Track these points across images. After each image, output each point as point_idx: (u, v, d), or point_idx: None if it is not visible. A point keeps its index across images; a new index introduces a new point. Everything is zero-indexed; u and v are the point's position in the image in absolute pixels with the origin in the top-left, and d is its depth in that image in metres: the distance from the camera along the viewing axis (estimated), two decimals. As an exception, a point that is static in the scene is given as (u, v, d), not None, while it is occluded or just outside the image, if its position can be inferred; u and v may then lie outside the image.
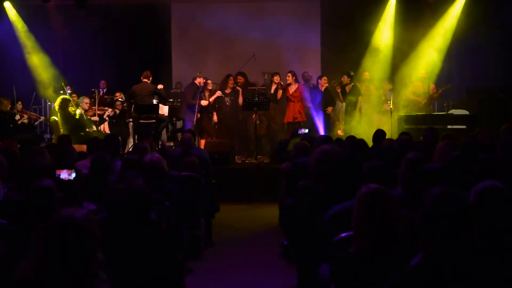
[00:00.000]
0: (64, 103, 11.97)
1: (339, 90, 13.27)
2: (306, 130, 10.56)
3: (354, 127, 12.51)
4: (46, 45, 14.89)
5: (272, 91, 12.72)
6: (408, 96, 13.50)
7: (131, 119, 12.93)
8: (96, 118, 13.02)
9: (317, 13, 16.02)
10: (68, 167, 5.36)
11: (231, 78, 12.99)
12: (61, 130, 11.91)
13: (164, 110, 13.10)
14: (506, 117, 11.25)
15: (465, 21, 13.89)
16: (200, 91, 12.33)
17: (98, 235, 2.47)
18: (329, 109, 12.88)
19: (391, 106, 12.85)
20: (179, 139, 10.72)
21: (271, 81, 12.88)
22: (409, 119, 12.26)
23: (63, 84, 13.59)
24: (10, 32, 14.57)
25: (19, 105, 12.77)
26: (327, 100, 12.90)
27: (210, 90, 12.74)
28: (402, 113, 12.95)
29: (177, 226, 4.98)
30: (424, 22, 14.38)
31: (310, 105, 12.86)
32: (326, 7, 15.60)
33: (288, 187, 6.41)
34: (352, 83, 13.04)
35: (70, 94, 13.37)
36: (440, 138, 7.48)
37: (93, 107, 12.96)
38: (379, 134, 8.29)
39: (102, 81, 14.80)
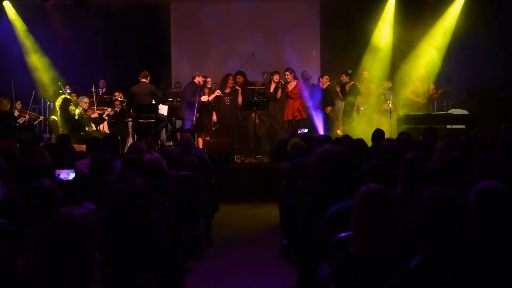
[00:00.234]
0: (65, 103, 11.97)
1: (338, 89, 13.29)
2: (306, 130, 10.55)
3: (353, 127, 12.52)
4: (45, 44, 14.89)
5: (271, 90, 12.73)
6: (408, 96, 13.50)
7: (130, 119, 12.93)
8: (96, 115, 13.00)
9: (316, 12, 16.02)
10: (68, 166, 5.36)
11: (231, 77, 12.98)
12: (60, 129, 11.91)
13: (163, 109, 13.11)
14: (506, 117, 11.25)
15: (465, 21, 13.89)
16: (199, 90, 12.33)
17: (97, 235, 2.46)
18: (328, 109, 12.89)
19: (390, 106, 12.85)
20: (179, 139, 10.72)
21: (271, 80, 12.88)
22: (408, 118, 12.25)
23: (60, 83, 13.57)
24: (9, 31, 14.57)
25: (18, 105, 12.77)
26: (327, 99, 12.91)
27: (209, 89, 12.73)
28: (401, 112, 12.95)
29: (177, 226, 4.98)
30: (424, 22, 14.38)
31: (309, 103, 12.86)
32: (326, 6, 15.61)
33: (288, 186, 6.41)
34: (352, 82, 13.04)
35: (70, 94, 13.38)
36: (439, 138, 7.48)
37: (92, 107, 12.95)
38: (378, 133, 8.29)
39: (102, 81, 14.81)
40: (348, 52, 14.14)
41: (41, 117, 13.89)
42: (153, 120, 12.20)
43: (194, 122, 12.25)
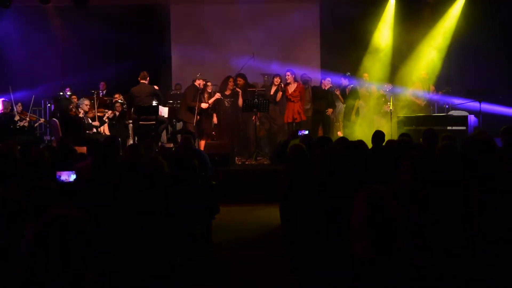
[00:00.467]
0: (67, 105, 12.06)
1: (338, 93, 13.28)
2: (306, 132, 10.55)
3: (353, 128, 12.52)
4: (45, 46, 14.91)
5: (271, 93, 12.72)
6: (408, 97, 13.51)
7: (130, 121, 12.94)
8: (96, 123, 13.01)
9: (316, 14, 16.04)
10: (68, 168, 5.36)
11: (231, 79, 12.99)
12: (61, 131, 11.93)
13: (163, 111, 13.11)
14: (506, 118, 11.27)
15: (465, 22, 13.92)
16: (199, 93, 12.33)
17: (90, 236, 2.46)
18: (329, 111, 12.89)
19: (390, 108, 12.86)
20: (179, 141, 10.73)
21: (272, 83, 12.89)
22: (408, 120, 12.26)
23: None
24: (9, 33, 14.58)
25: (18, 107, 12.79)
26: (329, 101, 12.91)
27: (209, 93, 12.74)
28: (401, 114, 12.95)
29: (177, 227, 4.98)
30: (424, 23, 14.40)
31: (309, 106, 12.88)
32: (326, 7, 15.63)
33: (288, 188, 6.40)
34: (351, 85, 13.04)
35: (70, 96, 13.39)
36: (440, 139, 7.47)
37: (92, 110, 12.96)
38: (378, 135, 8.29)
39: (102, 83, 14.82)
40: (348, 54, 14.16)
41: (42, 119, 13.91)
42: (154, 122, 12.20)
43: (194, 125, 12.25)
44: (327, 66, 15.15)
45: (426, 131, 8.11)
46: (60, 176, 5.17)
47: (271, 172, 10.42)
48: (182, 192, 5.73)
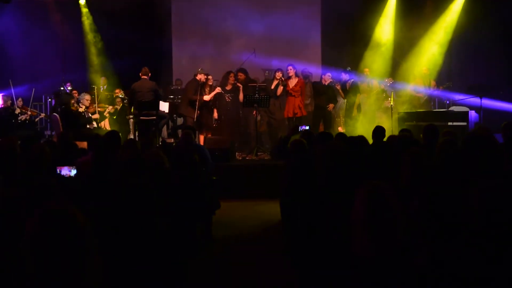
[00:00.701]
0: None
1: (338, 87, 13.26)
2: (307, 127, 10.55)
3: (354, 124, 12.51)
4: (46, 41, 14.90)
5: (272, 87, 12.70)
6: (409, 93, 13.50)
7: (131, 116, 12.94)
8: (96, 116, 13.02)
9: (317, 8, 16.01)
10: (69, 163, 5.37)
11: (232, 74, 12.97)
12: (61, 126, 11.94)
13: (164, 107, 13.10)
14: (507, 114, 11.26)
15: (466, 17, 13.89)
16: (200, 87, 12.32)
17: (89, 231, 2.46)
18: (331, 106, 12.87)
19: (391, 103, 12.84)
20: (180, 136, 10.73)
21: (273, 77, 12.87)
22: (409, 116, 12.25)
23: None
24: (10, 28, 14.57)
25: (19, 102, 12.79)
26: (330, 96, 12.89)
27: (210, 86, 12.74)
28: (402, 110, 12.94)
29: (178, 223, 4.98)
30: (425, 18, 14.38)
31: (309, 100, 12.87)
32: (327, 2, 15.61)
33: (289, 183, 6.41)
34: (352, 80, 13.00)
35: (71, 91, 13.40)
36: (441, 135, 7.47)
37: (93, 105, 12.96)
38: (378, 130, 8.28)
39: (102, 78, 14.81)
40: (349, 49, 14.14)
41: (42, 114, 13.91)
42: (154, 117, 12.20)
43: (195, 120, 12.24)
44: (328, 61, 15.15)
45: (426, 127, 8.09)
46: (60, 171, 5.17)
47: (271, 168, 10.42)
48: (182, 188, 5.73)
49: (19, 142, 7.57)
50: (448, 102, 14.07)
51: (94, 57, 15.37)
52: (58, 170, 5.16)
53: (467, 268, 2.51)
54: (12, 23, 14.62)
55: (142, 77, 12.31)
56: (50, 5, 15.11)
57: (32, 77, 14.77)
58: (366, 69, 14.02)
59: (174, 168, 6.30)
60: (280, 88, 12.55)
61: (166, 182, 5.31)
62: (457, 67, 14.91)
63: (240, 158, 11.97)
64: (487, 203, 3.01)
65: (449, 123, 11.34)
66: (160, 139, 12.14)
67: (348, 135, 9.11)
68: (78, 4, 15.22)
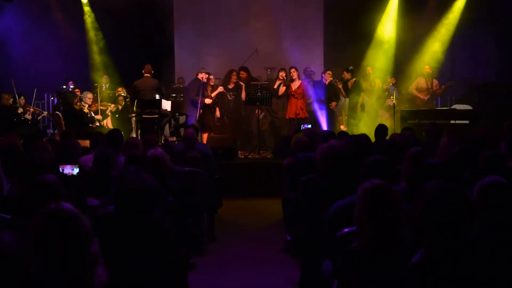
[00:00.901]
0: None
1: (340, 86, 13.21)
2: (309, 126, 10.55)
3: (357, 123, 12.48)
4: (48, 40, 14.91)
5: (275, 86, 12.69)
6: (411, 91, 13.48)
7: (133, 114, 12.94)
8: (99, 116, 13.01)
9: (320, 6, 15.99)
10: (72, 162, 5.37)
11: (234, 73, 12.96)
12: (63, 124, 11.95)
13: (166, 105, 13.10)
14: (510, 112, 11.24)
15: (469, 15, 13.87)
16: (202, 87, 12.31)
17: (90, 229, 2.46)
18: (333, 104, 12.83)
19: (394, 101, 12.82)
20: (182, 134, 10.73)
21: (277, 77, 12.85)
22: (411, 114, 12.22)
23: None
24: (12, 26, 14.57)
25: (21, 100, 12.79)
26: (331, 94, 12.86)
27: (212, 86, 12.73)
28: (404, 108, 12.92)
29: (180, 222, 4.98)
30: (428, 16, 14.35)
31: (313, 100, 12.84)
32: (329, 0, 15.58)
33: (291, 182, 6.41)
34: (354, 79, 12.93)
35: (73, 89, 13.40)
36: (443, 133, 7.47)
37: (95, 103, 12.96)
38: (381, 129, 8.28)
39: (105, 76, 14.81)
40: (352, 47, 14.11)
41: (45, 112, 13.92)
42: (157, 116, 12.20)
43: (197, 118, 12.24)
44: (330, 59, 15.13)
45: (428, 125, 8.10)
46: (63, 170, 5.17)
47: (274, 166, 10.41)
48: (185, 186, 5.74)
49: (21, 140, 7.60)
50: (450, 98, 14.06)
51: (96, 56, 15.36)
52: (60, 168, 5.16)
53: (467, 267, 2.50)
54: (14, 21, 14.61)
55: (145, 75, 12.31)
56: (52, 3, 15.10)
57: (34, 75, 14.77)
58: (369, 68, 13.99)
59: (176, 166, 6.30)
60: (283, 89, 12.52)
61: (168, 180, 5.32)
62: (460, 65, 14.88)
63: (243, 156, 11.96)
64: (489, 201, 3.01)
65: (452, 122, 11.32)
66: (163, 138, 12.13)
67: (350, 133, 9.11)
68: (80, 3, 15.22)
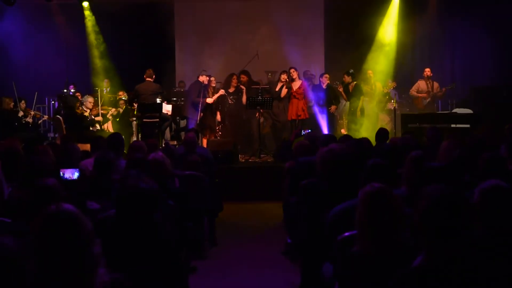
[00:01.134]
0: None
1: (341, 89, 13.20)
2: (309, 131, 10.55)
3: (357, 126, 12.48)
4: (49, 44, 14.93)
5: (277, 89, 12.69)
6: (412, 94, 13.48)
7: (134, 118, 12.95)
8: (100, 118, 13.02)
9: (320, 10, 15.99)
10: (72, 166, 5.36)
11: (235, 77, 12.97)
12: (64, 128, 11.96)
13: (167, 109, 13.11)
14: (510, 116, 11.23)
15: (469, 19, 13.89)
16: (203, 89, 12.32)
17: (91, 230, 2.46)
18: (333, 107, 12.81)
19: (394, 105, 12.82)
20: (183, 138, 10.74)
21: (279, 79, 12.85)
22: (412, 118, 12.21)
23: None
24: (12, 30, 14.60)
25: (22, 104, 12.80)
26: (331, 98, 12.84)
27: (213, 88, 12.74)
28: (405, 112, 12.91)
29: (181, 225, 4.98)
30: (429, 19, 14.39)
31: (313, 103, 12.84)
32: (330, 3, 15.59)
33: (292, 185, 6.41)
34: (355, 82, 12.92)
35: (74, 93, 13.42)
36: (444, 137, 7.46)
37: (96, 107, 12.98)
38: (382, 133, 8.28)
39: (105, 80, 14.83)
40: (353, 50, 14.12)
41: (46, 116, 13.93)
42: (157, 120, 12.20)
43: (198, 122, 12.24)
44: (331, 62, 15.12)
45: (429, 129, 8.10)
46: (63, 174, 5.17)
47: (274, 170, 10.40)
48: (185, 190, 5.74)
49: (22, 144, 7.61)
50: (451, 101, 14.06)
51: (97, 60, 15.38)
52: (61, 172, 5.16)
53: (469, 270, 2.50)
54: (15, 25, 14.64)
55: (147, 79, 12.31)
56: (53, 7, 15.13)
57: (35, 79, 14.79)
58: (370, 71, 13.99)
59: (176, 170, 6.30)
60: (285, 91, 12.53)
61: (168, 183, 5.32)
62: (460, 69, 14.89)
63: (243, 160, 11.95)
64: (490, 204, 3.01)
65: (452, 125, 11.31)
66: (163, 141, 12.13)
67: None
68: (81, 7, 15.24)
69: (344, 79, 13.08)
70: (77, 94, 13.36)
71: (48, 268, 2.31)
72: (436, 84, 13.40)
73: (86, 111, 12.18)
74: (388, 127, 12.92)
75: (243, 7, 15.42)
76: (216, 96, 12.52)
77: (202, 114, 12.34)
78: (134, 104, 12.84)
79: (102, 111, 13.17)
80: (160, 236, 3.52)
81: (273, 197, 9.47)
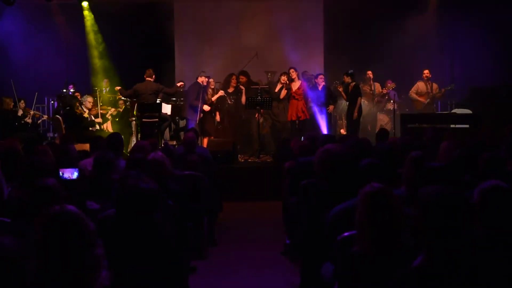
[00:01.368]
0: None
1: (341, 90, 13.17)
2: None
3: (357, 126, 12.47)
4: (49, 44, 14.93)
5: (276, 90, 12.68)
6: (411, 95, 13.48)
7: (134, 118, 12.94)
8: (99, 119, 13.02)
9: (320, 10, 15.98)
10: (72, 166, 5.36)
11: (234, 77, 12.97)
12: (63, 128, 11.96)
13: (167, 109, 13.11)
14: (510, 116, 11.24)
15: (469, 19, 13.90)
16: (202, 91, 12.31)
17: (94, 231, 2.46)
18: (331, 107, 12.78)
19: (394, 105, 12.82)
20: (182, 138, 10.73)
21: (278, 80, 12.83)
22: (412, 118, 12.21)
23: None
24: (12, 30, 14.59)
25: (22, 104, 12.80)
26: (328, 98, 12.80)
27: (212, 89, 12.73)
28: (405, 112, 12.91)
29: (181, 225, 4.98)
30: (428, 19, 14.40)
31: (312, 103, 12.82)
32: (330, 4, 15.59)
33: (292, 185, 6.41)
34: (354, 83, 12.89)
35: (73, 93, 13.41)
36: (444, 138, 7.47)
37: (95, 107, 12.97)
38: (381, 133, 8.30)
39: (105, 80, 14.82)
40: (352, 51, 14.11)
41: (45, 116, 13.92)
42: (157, 120, 12.19)
43: (197, 122, 12.24)
44: (330, 63, 15.11)
45: (428, 129, 8.11)
46: (63, 174, 5.17)
47: (274, 170, 10.40)
48: (185, 190, 5.73)
49: (21, 144, 7.60)
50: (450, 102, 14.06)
51: (96, 59, 15.38)
52: (60, 172, 5.16)
53: (469, 270, 2.50)
54: (15, 25, 14.63)
55: (147, 78, 12.29)
56: (52, 7, 15.13)
57: (35, 79, 14.78)
58: (369, 72, 13.99)
59: (176, 170, 6.30)
60: (284, 92, 12.51)
61: (168, 183, 5.32)
62: (460, 69, 14.89)
63: (243, 160, 11.95)
64: (490, 205, 3.01)
65: (452, 126, 11.32)
66: (163, 141, 12.12)
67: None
68: (80, 7, 15.24)
69: (344, 79, 13.06)
70: (77, 94, 13.35)
71: (49, 268, 2.31)
72: (435, 86, 13.39)
73: (85, 111, 12.17)
74: (388, 127, 12.93)
75: (243, 7, 15.40)
76: (215, 97, 12.51)
77: (201, 115, 12.32)
78: (129, 99, 12.90)
79: (101, 111, 13.16)
80: (160, 236, 3.52)
81: (272, 197, 9.48)
